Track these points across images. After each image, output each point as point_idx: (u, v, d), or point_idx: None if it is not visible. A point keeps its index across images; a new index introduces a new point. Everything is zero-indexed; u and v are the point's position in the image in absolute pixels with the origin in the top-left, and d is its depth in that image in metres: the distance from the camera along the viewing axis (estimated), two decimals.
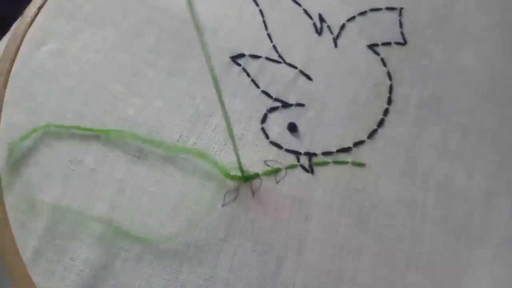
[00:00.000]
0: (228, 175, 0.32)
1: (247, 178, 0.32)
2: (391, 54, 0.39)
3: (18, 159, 0.32)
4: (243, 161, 0.32)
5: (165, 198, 0.32)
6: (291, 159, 0.34)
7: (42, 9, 0.37)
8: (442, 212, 0.34)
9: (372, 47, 0.39)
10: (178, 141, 0.34)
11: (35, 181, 0.32)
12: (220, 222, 0.32)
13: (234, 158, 0.31)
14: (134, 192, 0.32)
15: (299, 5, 0.41)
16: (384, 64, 0.39)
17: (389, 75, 0.38)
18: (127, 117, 0.34)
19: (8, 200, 0.31)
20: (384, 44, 0.40)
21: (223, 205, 0.32)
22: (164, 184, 0.33)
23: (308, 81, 0.37)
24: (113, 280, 0.30)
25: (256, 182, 0.33)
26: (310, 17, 0.40)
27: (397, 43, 0.40)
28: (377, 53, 0.39)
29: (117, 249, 0.31)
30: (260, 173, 0.33)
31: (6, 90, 0.34)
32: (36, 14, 0.37)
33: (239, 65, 0.37)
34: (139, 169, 0.33)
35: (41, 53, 0.36)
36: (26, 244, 0.30)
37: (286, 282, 0.31)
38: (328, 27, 0.40)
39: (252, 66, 0.37)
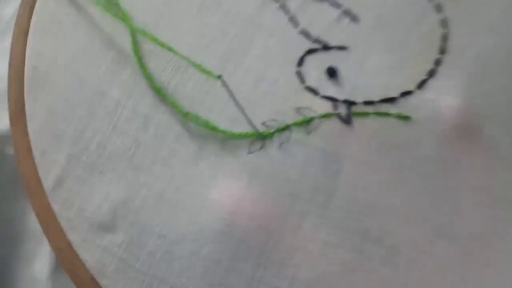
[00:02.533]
0: (233, 134, 0.30)
1: (261, 136, 0.30)
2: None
3: (43, 87, 0.32)
4: (274, 107, 0.30)
5: (190, 139, 0.31)
6: (327, 107, 0.31)
7: None
8: (486, 180, 0.30)
9: None
10: (206, 79, 0.32)
11: (60, 109, 0.31)
12: (243, 170, 0.30)
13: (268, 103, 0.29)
14: (158, 131, 0.31)
15: None
16: (439, 11, 0.34)
17: (443, 22, 0.34)
18: (155, 50, 0.32)
19: (32, 127, 0.31)
20: None
21: (248, 153, 0.30)
22: (189, 125, 0.31)
23: (353, 23, 0.34)
24: (132, 217, 0.30)
25: (285, 132, 0.31)
26: None
27: None
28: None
29: (138, 186, 0.30)
30: (291, 122, 0.31)
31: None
32: None
33: (276, 1, 0.34)
34: (165, 107, 0.31)
35: None
36: (48, 173, 0.30)
37: (307, 236, 0.29)
38: None
39: (292, 3, 0.34)
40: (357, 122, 0.31)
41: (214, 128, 0.30)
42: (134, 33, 0.32)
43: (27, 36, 0.33)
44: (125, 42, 0.32)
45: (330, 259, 0.29)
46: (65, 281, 0.30)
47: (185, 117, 0.31)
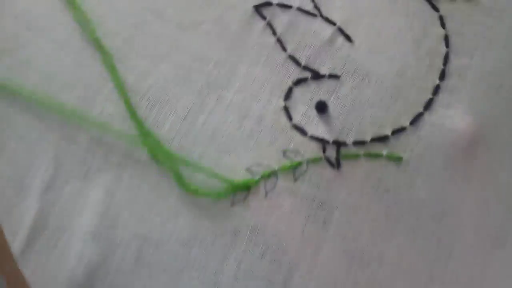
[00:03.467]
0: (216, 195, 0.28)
1: (236, 187, 0.28)
2: (453, 11, 0.31)
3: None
4: (259, 150, 0.28)
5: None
6: (315, 148, 0.29)
7: None
8: (481, 220, 0.29)
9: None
10: (184, 119, 0.29)
11: (22, 159, 0.28)
12: (227, 224, 0.28)
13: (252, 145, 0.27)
14: (133, 181, 0.28)
15: None
16: (443, 25, 0.31)
17: (446, 40, 0.31)
18: (126, 85, 0.29)
19: None
20: None
21: (231, 205, 0.28)
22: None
23: (347, 43, 0.30)
24: (110, 280, 0.28)
25: (270, 179, 0.29)
26: None
27: None
28: (436, 9, 0.31)
29: (114, 246, 0.28)
30: (277, 167, 0.29)
31: None
32: None
33: (264, 17, 0.30)
34: (140, 154, 0.29)
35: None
36: (16, 235, 0.28)
37: None
38: None
39: (280, 20, 0.30)
40: (346, 165, 0.29)
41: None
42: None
43: None
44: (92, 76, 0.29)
45: None
46: None
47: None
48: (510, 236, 0.30)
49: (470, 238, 0.30)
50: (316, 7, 0.30)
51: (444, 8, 0.31)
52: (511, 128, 0.30)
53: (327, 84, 0.30)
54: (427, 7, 0.31)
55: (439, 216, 0.29)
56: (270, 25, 0.30)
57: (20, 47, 0.29)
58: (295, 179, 0.29)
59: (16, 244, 0.28)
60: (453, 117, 0.30)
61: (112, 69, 0.29)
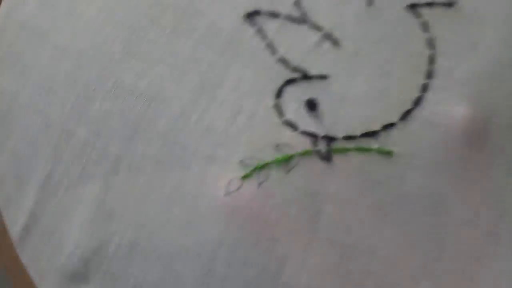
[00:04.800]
0: None
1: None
2: (435, 17, 0.32)
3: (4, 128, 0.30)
4: (252, 144, 0.28)
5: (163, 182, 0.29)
6: (306, 143, 0.30)
7: None
8: (473, 213, 0.29)
9: (412, 7, 0.33)
10: (179, 116, 0.30)
11: (23, 152, 0.29)
12: (219, 214, 0.29)
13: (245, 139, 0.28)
14: (129, 174, 0.29)
15: None
16: (426, 30, 0.32)
17: (430, 43, 0.32)
18: (124, 85, 0.30)
19: None
20: (427, 4, 0.33)
21: (224, 195, 0.29)
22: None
23: (335, 47, 0.32)
24: (105, 266, 0.28)
25: (263, 171, 0.29)
26: None
27: (443, 4, 0.33)
28: (417, 16, 0.33)
29: (110, 234, 0.28)
30: (269, 160, 0.29)
31: None
32: None
33: (254, 24, 0.32)
34: (136, 146, 0.29)
35: (29, 4, 0.31)
36: (15, 221, 0.29)
37: (289, 282, 0.28)
38: None
39: (270, 27, 0.32)
40: (337, 159, 0.30)
41: None
42: None
43: None
44: (92, 74, 0.30)
45: None
46: None
47: None
48: (504, 232, 0.30)
49: (463, 233, 0.30)
50: (303, 14, 0.32)
51: (426, 14, 0.33)
52: (500, 126, 0.31)
53: (316, 83, 0.31)
54: (410, 14, 0.33)
55: (431, 210, 0.30)
56: (260, 31, 0.32)
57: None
58: (288, 171, 0.29)
59: (14, 232, 0.28)
60: (444, 112, 0.31)
61: None
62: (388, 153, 0.30)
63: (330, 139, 0.30)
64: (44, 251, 0.29)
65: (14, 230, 0.29)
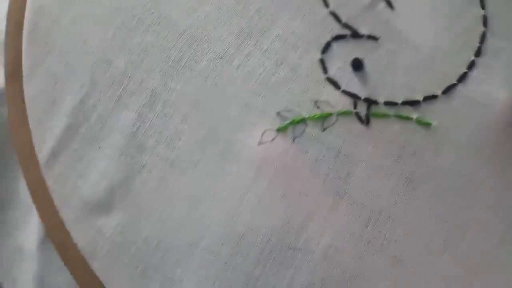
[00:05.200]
0: None
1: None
2: None
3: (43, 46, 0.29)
4: (291, 97, 0.28)
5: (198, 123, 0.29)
6: (346, 103, 0.29)
7: None
8: (500, 199, 0.29)
9: None
10: (221, 57, 0.29)
11: (60, 73, 0.29)
12: (251, 163, 0.28)
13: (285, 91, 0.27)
14: (165, 109, 0.29)
15: None
16: (483, 6, 0.31)
17: (484, 20, 0.31)
18: (169, 20, 0.29)
19: (29, 91, 0.28)
20: None
21: (258, 144, 0.28)
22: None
23: (389, 9, 0.31)
24: (130, 199, 0.28)
25: (299, 125, 0.29)
26: None
27: None
28: None
29: (140, 166, 0.28)
30: (307, 115, 0.29)
31: None
32: None
33: None
34: (175, 83, 0.29)
35: None
36: (43, 144, 0.28)
37: (311, 238, 0.28)
38: None
39: None
40: (375, 123, 0.29)
41: None
42: None
43: None
44: (138, 3, 0.29)
45: (332, 264, 0.28)
46: (54, 255, 0.28)
47: None
48: None
49: (488, 216, 0.29)
50: None
51: None
52: None
53: (365, 44, 0.30)
54: None
55: (460, 189, 0.29)
56: None
57: None
58: (324, 129, 0.29)
59: (42, 153, 0.28)
60: (486, 92, 0.30)
61: None
62: (427, 125, 0.29)
63: (371, 102, 0.29)
64: (70, 177, 0.29)
65: (42, 152, 0.29)
